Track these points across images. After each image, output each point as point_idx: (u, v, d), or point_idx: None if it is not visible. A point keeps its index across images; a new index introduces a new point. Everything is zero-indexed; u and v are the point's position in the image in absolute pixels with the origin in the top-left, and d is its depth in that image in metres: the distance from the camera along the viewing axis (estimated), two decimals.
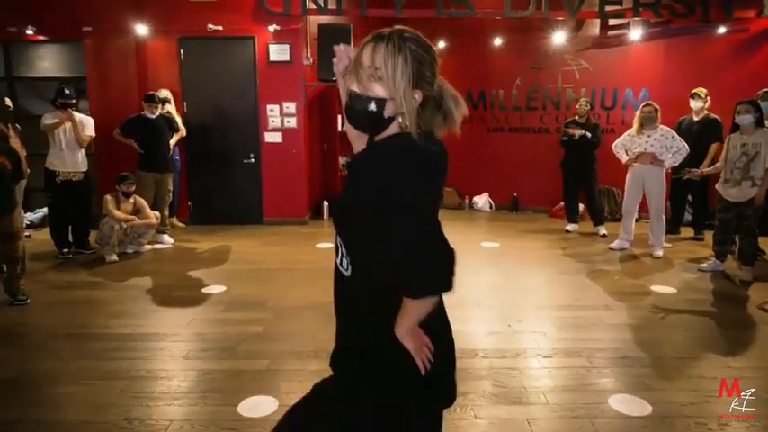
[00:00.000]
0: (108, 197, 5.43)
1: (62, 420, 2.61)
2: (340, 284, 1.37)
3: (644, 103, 5.67)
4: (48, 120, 5.35)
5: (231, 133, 6.94)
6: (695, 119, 6.08)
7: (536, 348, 3.39)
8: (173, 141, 6.23)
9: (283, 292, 4.49)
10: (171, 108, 6.39)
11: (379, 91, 1.25)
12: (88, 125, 5.61)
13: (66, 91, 5.41)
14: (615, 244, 5.88)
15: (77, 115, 5.53)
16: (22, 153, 4.63)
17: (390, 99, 1.24)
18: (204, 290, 4.53)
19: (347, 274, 1.33)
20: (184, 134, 6.51)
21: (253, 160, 7.01)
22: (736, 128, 4.79)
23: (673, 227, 6.43)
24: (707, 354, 3.34)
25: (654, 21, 6.95)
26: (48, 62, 6.95)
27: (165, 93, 6.44)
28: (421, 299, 1.20)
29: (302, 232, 6.78)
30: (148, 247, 5.84)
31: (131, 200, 5.55)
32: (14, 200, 4.24)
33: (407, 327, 1.24)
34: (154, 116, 5.90)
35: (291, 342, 3.48)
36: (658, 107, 5.55)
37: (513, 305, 4.20)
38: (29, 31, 6.59)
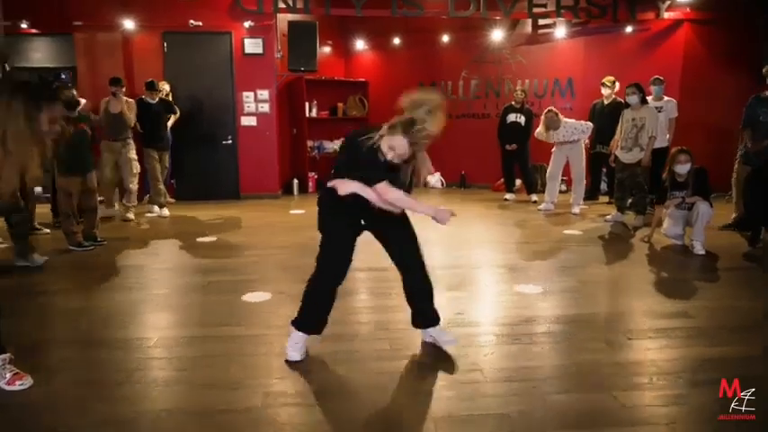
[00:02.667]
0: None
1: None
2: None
3: (546, 109, 6.85)
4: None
5: (211, 118, 7.79)
6: (605, 102, 7.31)
7: (474, 266, 4.47)
8: (170, 123, 7.02)
9: (268, 239, 5.44)
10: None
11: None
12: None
13: (63, 76, 6.22)
14: (542, 206, 7.04)
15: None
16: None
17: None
18: (200, 239, 5.43)
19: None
20: (177, 116, 7.28)
21: (230, 142, 7.88)
22: (627, 105, 6.02)
23: (591, 194, 7.67)
24: (595, 265, 4.49)
25: (574, 21, 8.18)
26: (40, 53, 7.65)
27: (165, 86, 7.23)
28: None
29: (276, 203, 7.70)
30: (148, 215, 6.67)
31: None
32: (93, 161, 5.28)
33: None
34: (154, 101, 6.65)
35: (279, 263, 4.45)
36: (557, 111, 6.75)
37: (459, 243, 5.29)
38: (23, 25, 7.28)
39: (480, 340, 2.97)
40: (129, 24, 7.41)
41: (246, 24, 7.60)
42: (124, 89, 6.32)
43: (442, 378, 2.57)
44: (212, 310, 3.51)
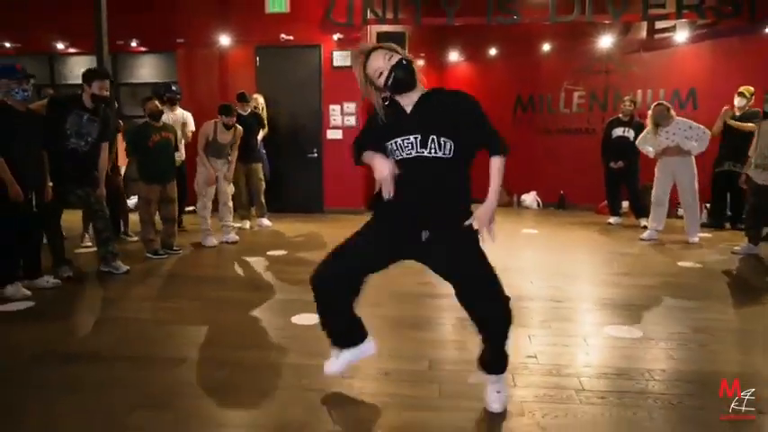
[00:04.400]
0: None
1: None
2: (434, 171, 2.09)
3: (655, 103, 5.92)
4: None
5: (298, 130, 7.75)
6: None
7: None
8: (259, 137, 6.90)
9: None
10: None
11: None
12: (190, 121, 6.48)
13: (173, 87, 6.27)
14: (645, 234, 6.03)
15: (181, 112, 6.37)
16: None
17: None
18: (270, 252, 5.27)
19: (448, 155, 2.06)
20: (266, 131, 7.20)
21: (316, 155, 7.79)
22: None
23: (715, 220, 6.56)
24: (717, 307, 3.64)
25: (699, 23, 7.15)
26: (145, 69, 8.12)
27: (260, 98, 7.25)
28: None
29: (360, 219, 7.40)
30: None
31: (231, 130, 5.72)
32: (174, 170, 5.33)
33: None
34: (245, 113, 6.59)
35: None
36: (670, 105, 5.79)
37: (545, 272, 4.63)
38: (133, 44, 7.77)
39: (552, 396, 2.38)
40: (224, 40, 7.63)
41: (335, 37, 7.51)
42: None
43: None
44: (258, 330, 3.23)
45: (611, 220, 7.02)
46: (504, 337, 2.15)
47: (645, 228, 6.57)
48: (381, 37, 7.34)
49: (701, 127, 5.66)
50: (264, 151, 7.19)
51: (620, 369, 2.65)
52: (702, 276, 4.50)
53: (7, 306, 3.64)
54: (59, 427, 2.17)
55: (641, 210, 6.85)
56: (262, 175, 6.78)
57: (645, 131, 6.00)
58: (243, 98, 6.57)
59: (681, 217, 6.28)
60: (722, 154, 6.29)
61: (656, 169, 5.95)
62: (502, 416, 2.18)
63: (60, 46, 8.08)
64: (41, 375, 2.62)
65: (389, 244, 2.19)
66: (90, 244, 5.40)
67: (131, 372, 2.65)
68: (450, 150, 2.07)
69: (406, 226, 2.13)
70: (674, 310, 3.63)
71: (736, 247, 5.30)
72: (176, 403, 2.34)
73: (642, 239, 5.96)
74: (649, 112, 5.90)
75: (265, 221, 6.78)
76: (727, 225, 6.61)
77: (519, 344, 2.87)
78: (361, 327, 2.35)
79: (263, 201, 6.80)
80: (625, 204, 7.17)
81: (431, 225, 2.11)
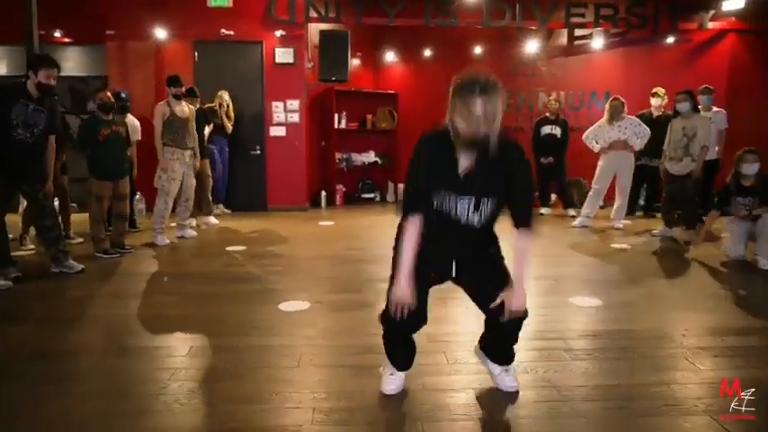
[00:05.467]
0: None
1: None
2: (465, 232, 2.08)
3: (612, 97, 6.55)
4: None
5: (240, 128, 7.65)
6: (654, 114, 6.96)
7: None
8: (206, 132, 6.76)
9: (299, 249, 5.22)
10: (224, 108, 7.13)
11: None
12: (137, 130, 6.12)
13: (123, 95, 5.80)
14: (577, 222, 6.61)
15: (130, 118, 5.97)
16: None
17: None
18: (229, 248, 5.23)
19: (481, 222, 2.07)
20: (232, 127, 7.20)
21: (259, 152, 7.74)
22: (676, 114, 5.72)
23: (630, 208, 7.31)
24: (653, 279, 4.17)
25: (613, 31, 7.95)
26: (72, 62, 7.64)
27: (225, 95, 7.13)
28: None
29: (304, 216, 7.50)
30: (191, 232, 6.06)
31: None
32: (127, 165, 5.08)
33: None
34: (194, 108, 6.28)
35: (307, 273, 4.21)
36: (624, 100, 6.45)
37: None
38: (57, 34, 7.29)
39: (547, 355, 2.68)
40: (160, 33, 7.37)
41: (278, 34, 7.51)
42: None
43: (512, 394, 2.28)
44: (248, 318, 3.27)
45: (542, 210, 7.61)
46: (516, 339, 2.26)
47: (573, 217, 7.22)
48: (324, 35, 7.47)
49: (646, 128, 6.27)
50: (213, 147, 7.07)
51: (595, 331, 3.02)
52: (633, 255, 5.08)
53: None
54: (56, 417, 2.14)
55: (569, 200, 7.52)
56: (210, 172, 6.66)
57: (597, 124, 6.47)
58: (192, 93, 6.38)
59: (602, 207, 6.93)
60: (639, 149, 7.03)
61: (600, 162, 6.44)
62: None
63: None
64: (33, 372, 2.53)
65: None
66: (33, 246, 5.07)
67: (126, 361, 2.62)
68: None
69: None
70: (621, 282, 4.11)
71: (654, 231, 5.99)
72: (182, 386, 2.37)
73: (574, 226, 6.54)
74: (606, 106, 6.40)
75: (212, 219, 6.66)
76: (640, 213, 7.41)
77: None
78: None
79: (210, 198, 6.69)
80: (553, 197, 7.80)
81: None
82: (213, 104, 7.04)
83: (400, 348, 2.31)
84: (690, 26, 7.59)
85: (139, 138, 6.19)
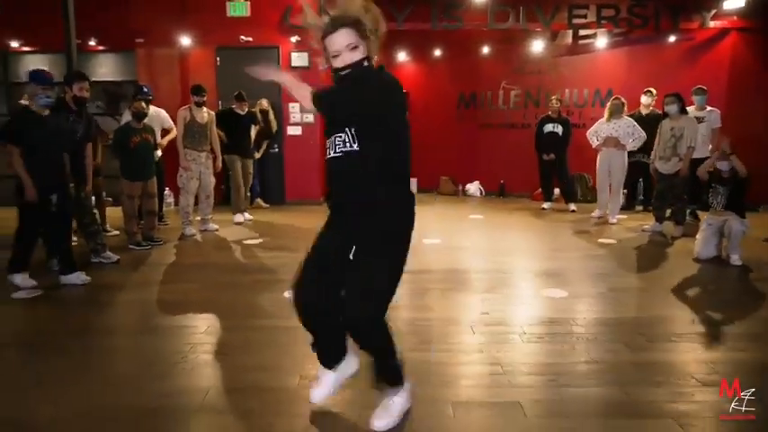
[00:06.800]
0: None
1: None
2: (346, 163, 1.98)
3: (613, 97, 6.88)
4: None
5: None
6: (643, 113, 7.25)
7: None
8: (252, 133, 7.26)
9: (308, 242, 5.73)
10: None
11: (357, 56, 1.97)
12: (165, 119, 6.60)
13: (145, 89, 6.34)
14: (595, 213, 7.07)
15: (155, 110, 6.45)
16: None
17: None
18: (247, 240, 5.79)
19: (355, 147, 1.94)
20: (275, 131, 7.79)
21: (277, 150, 8.29)
22: (666, 115, 6.02)
23: (628, 203, 7.63)
24: (626, 273, 4.56)
25: (615, 31, 8.19)
26: (105, 68, 8.29)
27: (264, 102, 7.68)
28: None
29: (319, 209, 7.98)
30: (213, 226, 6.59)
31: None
32: (154, 168, 5.70)
33: None
34: (243, 112, 6.90)
35: None
36: (625, 101, 6.76)
37: (494, 249, 5.43)
38: (91, 43, 7.94)
39: (502, 338, 3.13)
40: (185, 41, 7.94)
41: (293, 39, 8.00)
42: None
43: (461, 368, 2.75)
44: (259, 303, 3.81)
45: (545, 205, 7.97)
46: (379, 354, 2.14)
47: (573, 212, 7.57)
48: None
49: (642, 132, 6.61)
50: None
51: (552, 318, 3.45)
52: (617, 250, 5.44)
53: (20, 294, 4.02)
54: (95, 382, 2.70)
55: (570, 195, 7.87)
56: (252, 170, 7.22)
57: (598, 121, 6.93)
58: (240, 97, 6.84)
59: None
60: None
61: (597, 162, 6.92)
62: (466, 354, 2.90)
63: (14, 44, 8.12)
64: (75, 347, 3.10)
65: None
66: (75, 239, 5.71)
67: (153, 337, 3.18)
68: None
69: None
70: (594, 276, 4.51)
71: (645, 226, 6.32)
72: (199, 357, 2.91)
73: (592, 217, 7.01)
74: (607, 104, 6.85)
75: (247, 215, 7.13)
76: (639, 207, 7.71)
77: (473, 305, 3.64)
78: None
79: (248, 195, 7.23)
80: (556, 192, 8.15)
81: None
82: (254, 109, 7.53)
83: (316, 337, 2.22)
84: (691, 25, 7.78)
85: (172, 125, 6.53)
